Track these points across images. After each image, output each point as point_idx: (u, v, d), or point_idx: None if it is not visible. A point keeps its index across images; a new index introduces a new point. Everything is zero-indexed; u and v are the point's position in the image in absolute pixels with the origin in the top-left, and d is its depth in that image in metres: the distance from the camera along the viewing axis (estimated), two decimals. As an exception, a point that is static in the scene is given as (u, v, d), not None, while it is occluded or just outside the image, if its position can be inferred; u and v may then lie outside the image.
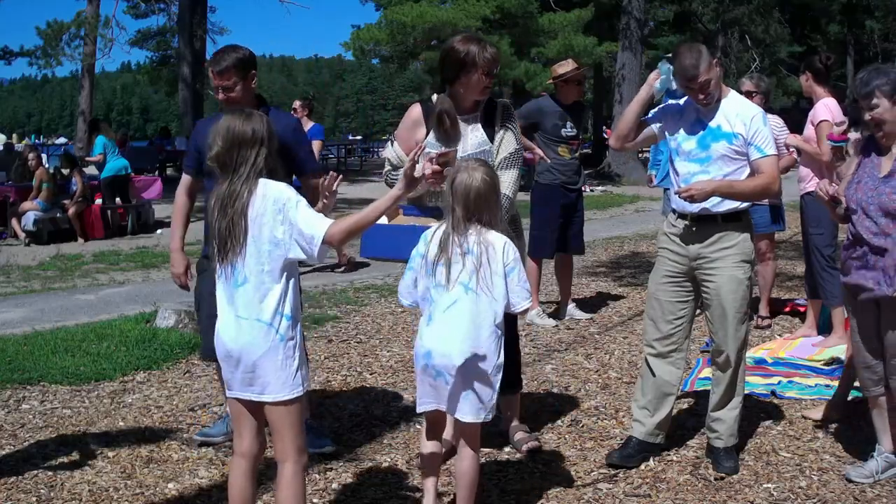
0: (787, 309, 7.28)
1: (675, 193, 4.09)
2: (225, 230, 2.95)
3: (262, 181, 2.97)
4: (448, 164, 3.66)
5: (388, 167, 4.20)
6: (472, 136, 4.07)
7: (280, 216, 2.92)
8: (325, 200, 3.12)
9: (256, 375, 2.95)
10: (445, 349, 3.21)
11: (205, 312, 4.13)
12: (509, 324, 4.31)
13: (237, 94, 4.05)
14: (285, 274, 2.96)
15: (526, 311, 3.33)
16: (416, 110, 4.18)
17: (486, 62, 3.96)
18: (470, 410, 3.24)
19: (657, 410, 4.16)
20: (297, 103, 9.56)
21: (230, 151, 2.96)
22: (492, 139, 4.08)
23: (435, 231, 3.31)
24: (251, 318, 2.94)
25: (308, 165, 4.21)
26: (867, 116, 3.75)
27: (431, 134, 4.06)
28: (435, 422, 3.41)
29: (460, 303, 3.21)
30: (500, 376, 3.29)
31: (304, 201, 2.95)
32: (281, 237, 2.92)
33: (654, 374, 4.16)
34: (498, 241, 3.24)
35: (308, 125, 9.32)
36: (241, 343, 2.95)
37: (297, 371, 2.97)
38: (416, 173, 3.16)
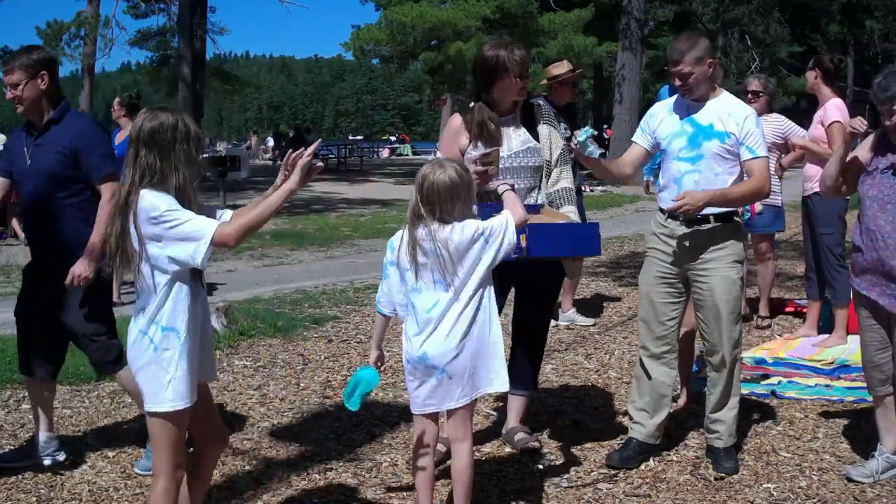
0: (791, 309, 7.27)
1: (659, 210, 4.09)
2: (118, 237, 2.86)
3: (145, 190, 2.82)
4: (492, 164, 3.79)
5: None
6: (516, 136, 4.11)
7: (153, 228, 2.80)
8: (285, 173, 2.94)
9: (139, 383, 2.91)
10: (439, 352, 3.18)
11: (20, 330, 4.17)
12: (539, 324, 4.36)
13: (20, 91, 3.95)
14: (167, 283, 2.84)
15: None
16: (456, 120, 4.19)
17: (515, 64, 4.01)
18: (495, 382, 3.25)
19: (656, 412, 4.16)
20: (116, 101, 8.64)
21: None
22: (535, 137, 4.13)
23: (401, 237, 3.26)
24: (136, 324, 2.90)
25: (96, 172, 3.93)
26: (887, 122, 3.76)
27: (472, 143, 4.07)
28: (429, 430, 3.34)
29: (441, 303, 3.17)
30: (501, 341, 3.28)
31: (179, 210, 2.80)
32: (157, 252, 2.82)
33: (649, 377, 4.16)
34: (456, 230, 3.14)
35: (129, 127, 8.55)
36: (129, 350, 2.92)
37: (168, 384, 2.84)
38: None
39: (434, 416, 3.36)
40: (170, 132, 2.85)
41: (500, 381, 3.28)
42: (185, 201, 2.85)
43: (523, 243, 3.63)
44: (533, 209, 3.85)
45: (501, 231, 3.19)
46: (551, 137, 4.21)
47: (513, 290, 4.29)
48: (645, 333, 4.17)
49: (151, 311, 2.85)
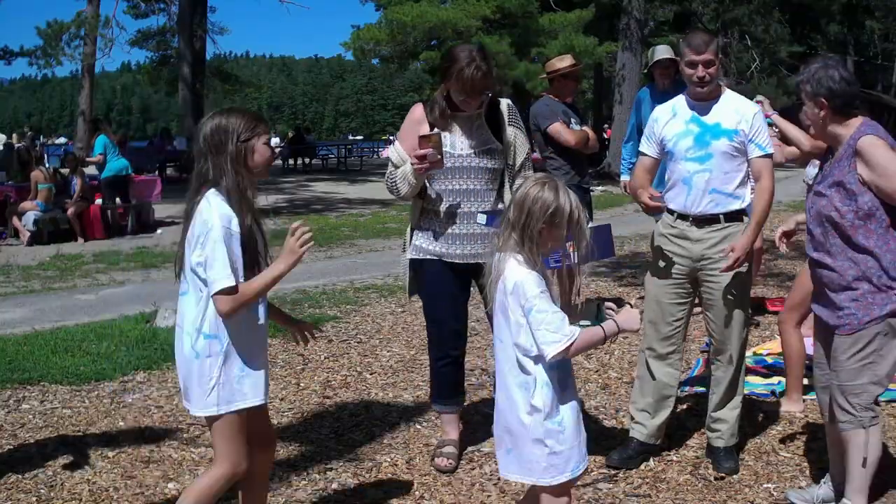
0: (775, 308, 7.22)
1: (668, 210, 4.06)
2: (181, 237, 2.90)
3: (208, 198, 2.80)
4: (434, 149, 3.70)
5: (390, 167, 4.06)
6: (477, 136, 3.98)
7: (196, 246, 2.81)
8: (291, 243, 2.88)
9: (185, 386, 2.93)
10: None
11: None
12: None
13: None
14: (205, 291, 2.82)
15: (564, 352, 2.67)
16: (417, 110, 4.10)
17: (460, 81, 3.81)
18: (514, 468, 2.77)
19: (657, 412, 4.16)
20: None
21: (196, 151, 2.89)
22: (499, 139, 4.01)
23: None
24: (183, 328, 2.89)
25: None
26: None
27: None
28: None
29: (498, 346, 2.80)
30: (540, 436, 2.68)
31: (220, 233, 2.76)
32: (197, 258, 2.81)
33: (653, 377, 4.15)
34: (510, 276, 2.68)
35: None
36: (177, 353, 2.93)
37: (212, 390, 2.85)
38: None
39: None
40: (220, 133, 2.82)
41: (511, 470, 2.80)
42: (239, 209, 2.81)
43: (571, 250, 3.50)
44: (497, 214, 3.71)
45: (542, 333, 2.65)
46: (516, 141, 4.05)
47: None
48: (651, 334, 4.15)
49: (196, 316, 2.85)
